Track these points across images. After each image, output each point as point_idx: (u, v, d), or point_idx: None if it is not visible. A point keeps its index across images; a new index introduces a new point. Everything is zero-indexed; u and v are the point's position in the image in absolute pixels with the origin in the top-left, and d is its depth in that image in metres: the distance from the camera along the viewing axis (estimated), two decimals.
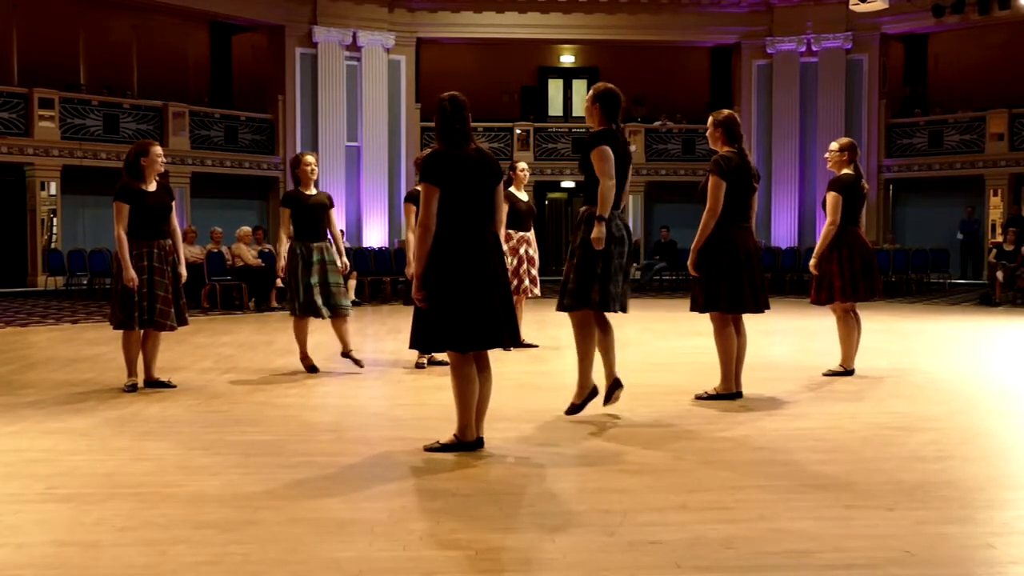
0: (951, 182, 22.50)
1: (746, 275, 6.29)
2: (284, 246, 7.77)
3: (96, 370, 7.94)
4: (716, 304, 6.32)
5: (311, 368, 7.81)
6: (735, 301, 6.31)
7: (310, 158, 7.96)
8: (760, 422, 5.72)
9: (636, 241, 23.00)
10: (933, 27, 22.32)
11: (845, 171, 7.46)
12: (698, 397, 6.44)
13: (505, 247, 8.80)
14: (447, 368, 5.08)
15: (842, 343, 7.56)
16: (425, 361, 7.93)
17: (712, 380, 6.52)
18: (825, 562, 3.30)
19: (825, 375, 7.48)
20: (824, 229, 7.42)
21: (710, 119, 6.52)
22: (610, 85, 5.87)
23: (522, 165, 9.32)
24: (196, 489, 4.23)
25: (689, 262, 6.43)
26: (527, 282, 9.00)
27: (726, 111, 6.59)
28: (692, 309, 6.51)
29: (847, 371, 7.49)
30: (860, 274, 7.33)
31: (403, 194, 22.51)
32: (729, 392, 6.40)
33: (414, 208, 7.58)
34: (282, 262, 7.74)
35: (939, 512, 3.89)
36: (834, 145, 7.60)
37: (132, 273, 6.74)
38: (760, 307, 6.42)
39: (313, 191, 7.88)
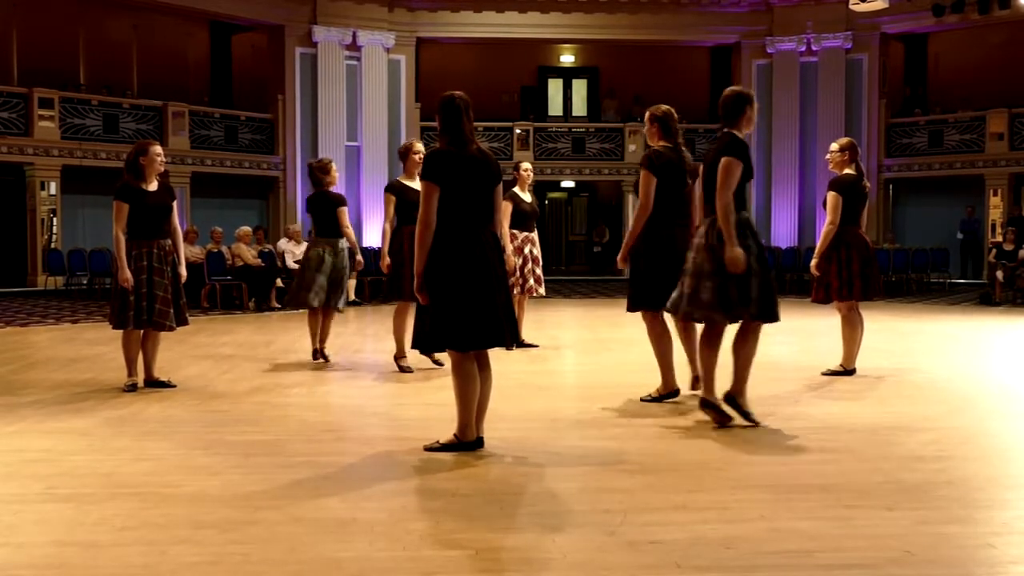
0: (951, 182, 22.49)
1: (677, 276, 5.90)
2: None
3: (96, 370, 7.94)
4: (645, 302, 6.15)
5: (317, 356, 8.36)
6: (661, 299, 6.00)
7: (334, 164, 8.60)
8: (760, 422, 5.72)
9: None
10: (933, 27, 22.30)
11: (847, 171, 7.46)
12: (643, 399, 6.33)
13: (510, 247, 8.82)
14: (447, 368, 5.07)
15: (845, 343, 7.55)
16: (407, 364, 7.81)
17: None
18: (825, 562, 3.30)
19: (824, 375, 7.48)
20: (824, 229, 7.42)
21: (647, 114, 6.29)
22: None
23: (526, 165, 9.32)
24: (196, 489, 4.23)
25: (619, 256, 6.27)
26: (531, 281, 9.03)
27: (664, 106, 6.29)
28: (631, 309, 6.28)
29: (847, 371, 7.48)
30: (858, 275, 7.33)
31: None
32: (672, 391, 6.31)
33: (393, 198, 7.68)
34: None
35: (939, 512, 3.89)
36: (834, 146, 7.60)
37: (127, 273, 6.74)
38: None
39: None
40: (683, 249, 5.90)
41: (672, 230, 6.11)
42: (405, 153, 7.91)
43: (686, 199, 6.21)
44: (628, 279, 6.29)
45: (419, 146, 7.94)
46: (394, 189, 7.84)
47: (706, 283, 5.45)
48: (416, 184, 7.76)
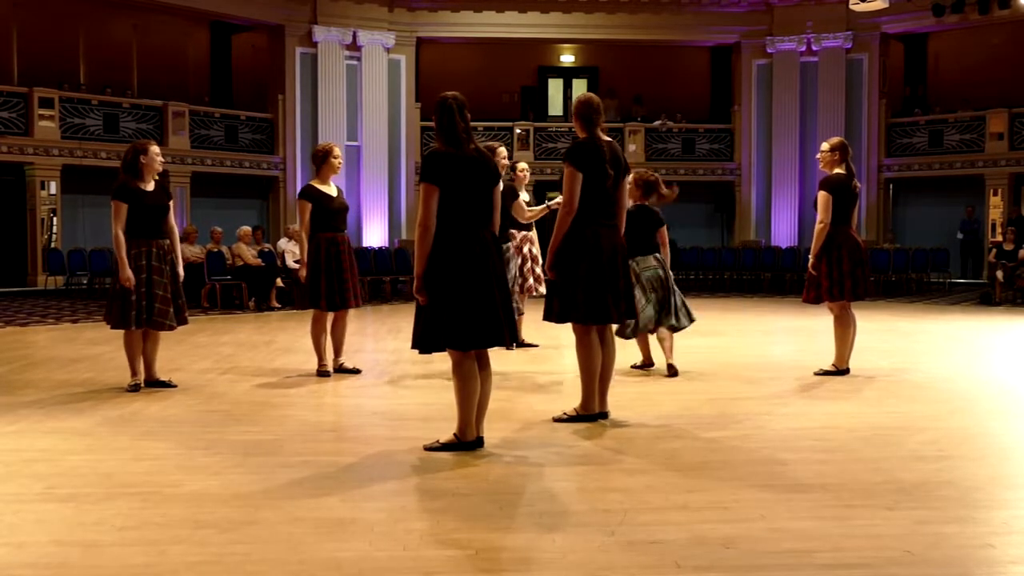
0: (951, 182, 22.49)
1: (607, 281, 5.49)
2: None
3: (96, 370, 7.94)
4: (574, 313, 5.50)
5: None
6: (594, 311, 5.48)
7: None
8: (760, 422, 5.72)
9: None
10: (933, 27, 22.30)
11: (836, 170, 7.46)
12: (556, 419, 5.65)
13: (509, 247, 8.81)
14: (448, 368, 5.07)
15: (837, 342, 7.56)
16: (327, 369, 7.61)
17: (711, 379, 6.53)
18: (825, 562, 3.30)
19: (817, 374, 7.47)
20: (816, 229, 7.42)
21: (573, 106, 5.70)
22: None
23: (522, 165, 9.31)
24: (196, 489, 4.23)
25: (546, 264, 5.57)
26: (531, 280, 9.03)
27: (587, 95, 5.69)
28: (546, 318, 5.66)
29: (839, 371, 7.48)
30: (848, 275, 7.32)
31: (403, 193, 22.65)
32: (590, 413, 5.62)
33: (309, 205, 7.38)
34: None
35: (939, 512, 3.89)
36: (825, 145, 7.59)
37: (129, 273, 6.74)
38: (622, 316, 5.66)
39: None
40: (609, 251, 5.52)
41: (596, 231, 5.50)
42: (324, 157, 7.55)
43: (611, 196, 5.56)
44: (549, 285, 5.67)
45: (338, 150, 7.63)
46: (309, 195, 7.46)
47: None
48: (329, 189, 7.61)
